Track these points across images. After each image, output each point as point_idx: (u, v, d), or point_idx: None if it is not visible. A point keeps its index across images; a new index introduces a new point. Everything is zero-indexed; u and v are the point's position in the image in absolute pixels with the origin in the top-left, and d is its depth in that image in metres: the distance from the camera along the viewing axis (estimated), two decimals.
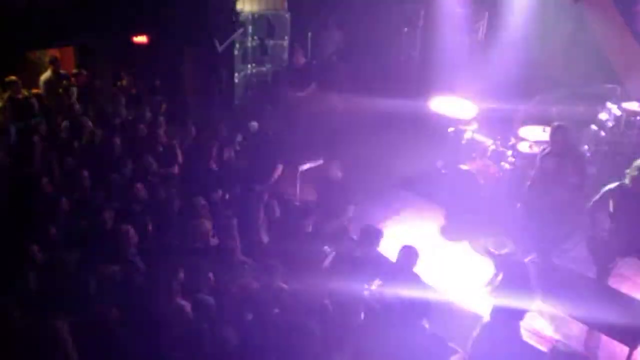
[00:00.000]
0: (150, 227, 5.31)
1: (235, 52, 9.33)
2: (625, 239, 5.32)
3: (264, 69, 9.23)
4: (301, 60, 8.78)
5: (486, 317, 4.28)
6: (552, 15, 8.63)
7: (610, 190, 5.46)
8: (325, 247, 5.49)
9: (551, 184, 5.83)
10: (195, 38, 8.85)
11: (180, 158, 6.99)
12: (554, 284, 5.88)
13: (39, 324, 3.77)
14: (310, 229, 5.70)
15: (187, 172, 6.82)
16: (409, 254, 4.96)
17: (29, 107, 7.67)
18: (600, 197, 5.52)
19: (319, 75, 9.13)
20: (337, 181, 6.47)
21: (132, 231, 4.92)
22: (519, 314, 4.21)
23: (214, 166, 6.69)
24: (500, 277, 5.00)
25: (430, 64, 10.13)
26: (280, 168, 7.41)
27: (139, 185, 5.80)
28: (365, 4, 10.14)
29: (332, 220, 6.18)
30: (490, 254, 5.09)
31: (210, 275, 4.69)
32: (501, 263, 4.93)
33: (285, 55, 9.68)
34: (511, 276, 4.72)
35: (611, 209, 5.45)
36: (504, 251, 5.06)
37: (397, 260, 4.99)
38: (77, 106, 7.83)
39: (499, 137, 7.78)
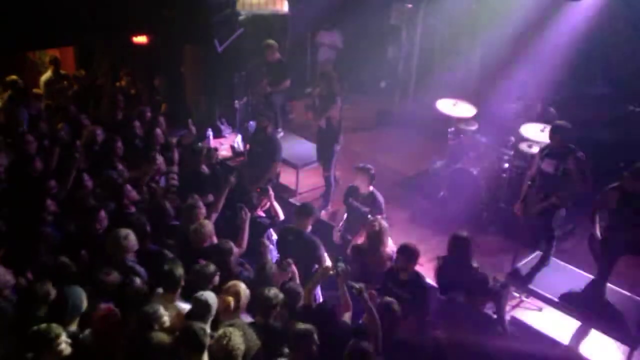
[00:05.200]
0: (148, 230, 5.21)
1: (236, 52, 9.33)
2: (626, 237, 5.31)
3: (263, 69, 9.23)
4: (275, 56, 8.80)
5: None
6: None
7: (611, 188, 5.46)
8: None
9: (551, 184, 5.82)
10: (195, 38, 8.84)
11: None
12: (555, 283, 5.90)
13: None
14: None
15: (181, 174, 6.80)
16: (409, 253, 4.95)
17: None
18: (601, 196, 5.53)
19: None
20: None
21: (132, 235, 4.78)
22: None
23: (204, 169, 6.64)
24: None
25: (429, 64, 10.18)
26: (278, 166, 7.43)
27: (129, 186, 5.72)
28: (365, 5, 10.17)
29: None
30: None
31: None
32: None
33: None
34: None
35: (613, 207, 5.45)
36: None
37: (397, 259, 4.97)
38: (72, 108, 7.82)
39: (499, 137, 7.79)
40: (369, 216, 5.56)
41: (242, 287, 4.35)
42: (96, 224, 5.09)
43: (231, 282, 4.41)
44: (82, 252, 4.91)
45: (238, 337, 3.72)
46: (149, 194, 6.06)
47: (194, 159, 6.61)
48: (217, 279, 4.56)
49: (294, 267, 4.94)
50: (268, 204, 6.05)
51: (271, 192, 6.03)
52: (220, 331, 3.79)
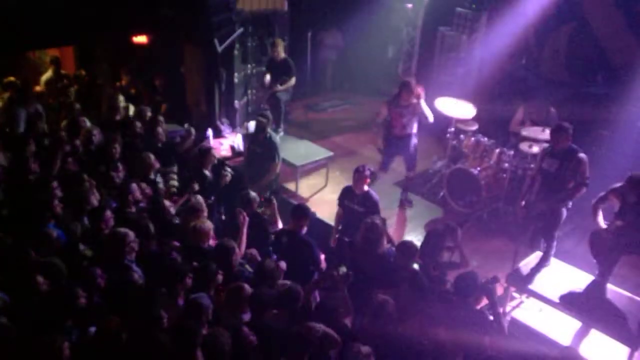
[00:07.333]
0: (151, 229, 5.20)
1: (235, 52, 9.33)
2: (628, 238, 5.31)
3: (264, 68, 9.23)
4: (281, 54, 8.80)
5: None
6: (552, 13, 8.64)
7: (614, 189, 5.45)
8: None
9: (551, 184, 5.81)
10: (195, 38, 8.84)
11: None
12: (555, 283, 5.89)
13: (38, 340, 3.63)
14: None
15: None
16: (407, 250, 4.95)
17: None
18: (604, 195, 5.52)
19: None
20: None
21: (131, 235, 4.74)
22: None
23: (207, 171, 6.62)
24: None
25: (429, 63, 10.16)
26: (278, 166, 7.43)
27: (134, 185, 5.71)
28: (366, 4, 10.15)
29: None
30: None
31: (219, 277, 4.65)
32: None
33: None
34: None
35: (616, 208, 5.44)
36: None
37: (396, 257, 4.98)
38: (77, 106, 7.82)
39: (499, 137, 7.79)
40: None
41: (246, 287, 4.38)
42: (102, 223, 5.08)
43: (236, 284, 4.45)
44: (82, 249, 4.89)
45: (225, 337, 3.77)
46: (153, 194, 6.04)
47: (199, 161, 6.57)
48: (220, 277, 4.58)
49: (282, 264, 4.94)
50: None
51: (275, 202, 6.01)
52: (210, 330, 3.85)
